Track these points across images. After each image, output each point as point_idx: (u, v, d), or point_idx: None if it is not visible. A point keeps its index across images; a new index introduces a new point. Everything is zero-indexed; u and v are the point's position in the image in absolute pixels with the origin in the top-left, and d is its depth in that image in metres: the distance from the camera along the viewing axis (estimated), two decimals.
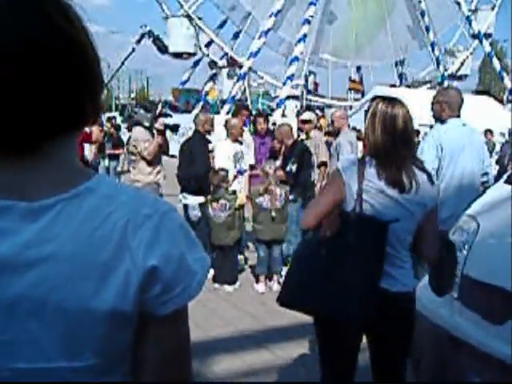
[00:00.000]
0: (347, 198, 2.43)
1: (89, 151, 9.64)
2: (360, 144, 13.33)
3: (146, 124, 6.52)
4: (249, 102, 29.91)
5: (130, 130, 9.83)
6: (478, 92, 35.70)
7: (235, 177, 6.56)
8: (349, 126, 9.67)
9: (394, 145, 2.43)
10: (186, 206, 6.67)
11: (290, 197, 6.28)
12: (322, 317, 2.55)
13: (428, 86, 37.22)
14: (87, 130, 7.29)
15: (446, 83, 34.41)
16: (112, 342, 0.88)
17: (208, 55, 35.19)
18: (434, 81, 38.26)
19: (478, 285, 2.82)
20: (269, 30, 32.85)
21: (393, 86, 32.97)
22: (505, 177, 3.48)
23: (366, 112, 2.53)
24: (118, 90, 56.94)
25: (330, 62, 38.26)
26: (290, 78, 31.11)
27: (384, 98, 2.52)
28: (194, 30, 32.57)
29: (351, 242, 2.39)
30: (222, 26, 38.20)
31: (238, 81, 32.17)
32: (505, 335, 2.52)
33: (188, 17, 32.48)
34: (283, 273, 6.52)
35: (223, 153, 6.62)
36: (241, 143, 6.84)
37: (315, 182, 6.92)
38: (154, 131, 6.38)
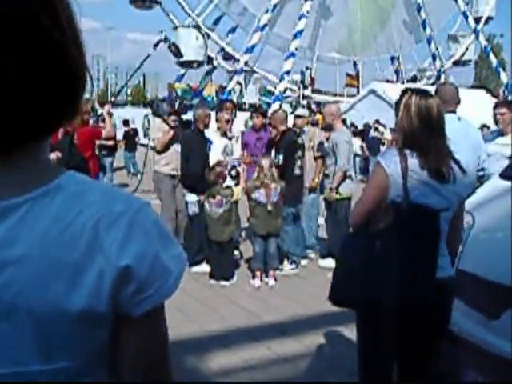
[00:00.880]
0: (392, 190, 2.45)
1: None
2: (355, 141, 13.39)
3: (165, 117, 7.10)
4: (245, 98, 29.91)
5: None
6: (474, 87, 35.72)
7: (229, 172, 6.57)
8: (344, 121, 9.65)
9: (430, 135, 2.48)
10: (186, 203, 6.69)
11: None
12: (377, 309, 2.50)
13: (425, 81, 37.26)
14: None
15: (442, 78, 34.43)
16: (86, 344, 0.86)
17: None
18: (431, 76, 38.31)
19: (474, 279, 2.83)
20: (265, 25, 32.83)
21: (389, 81, 33.00)
22: (499, 171, 3.48)
23: (397, 106, 2.56)
24: (116, 85, 56.84)
25: (336, 58, 38.30)
26: (287, 72, 31.11)
27: (416, 90, 2.57)
28: (204, 40, 32.67)
29: (406, 232, 2.44)
30: (217, 21, 38.14)
31: (233, 76, 32.16)
32: (500, 329, 2.53)
33: (197, 27, 32.62)
34: (281, 268, 6.56)
35: (215, 147, 6.62)
36: (229, 138, 6.88)
37: (301, 175, 6.84)
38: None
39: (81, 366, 0.86)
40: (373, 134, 17.27)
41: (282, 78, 30.93)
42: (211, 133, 6.88)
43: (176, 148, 6.91)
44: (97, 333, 0.86)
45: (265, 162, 6.12)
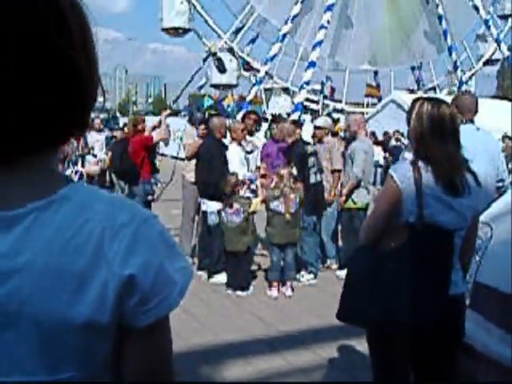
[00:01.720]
0: (404, 206, 2.38)
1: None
2: (376, 149, 13.30)
3: (197, 126, 7.45)
4: (265, 107, 29.96)
5: None
6: (496, 97, 35.36)
7: (247, 184, 6.54)
8: (366, 132, 9.59)
9: (443, 144, 2.40)
10: (204, 212, 6.70)
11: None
12: (388, 330, 2.48)
13: (446, 90, 37.00)
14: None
15: (464, 88, 34.14)
16: (90, 354, 0.85)
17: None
18: (453, 86, 38.03)
19: (491, 292, 2.79)
20: (285, 35, 32.94)
21: (411, 91, 32.81)
22: None
23: (409, 115, 2.48)
24: (136, 94, 57.42)
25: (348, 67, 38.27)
26: (307, 83, 31.13)
27: (428, 99, 2.49)
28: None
29: (419, 253, 2.38)
30: (237, 32, 38.36)
31: (254, 86, 32.26)
32: None
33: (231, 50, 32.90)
34: (299, 278, 6.54)
35: (235, 157, 6.62)
36: (248, 151, 6.89)
37: (317, 183, 6.82)
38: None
39: (84, 376, 0.86)
40: (395, 143, 17.15)
41: (301, 88, 30.94)
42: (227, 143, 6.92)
43: None
44: (101, 343, 0.86)
45: (284, 172, 6.12)
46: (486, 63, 39.50)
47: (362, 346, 4.51)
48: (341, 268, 6.91)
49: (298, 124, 7.96)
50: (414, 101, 2.51)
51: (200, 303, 5.53)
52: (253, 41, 38.26)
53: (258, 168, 7.09)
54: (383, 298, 2.40)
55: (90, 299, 0.82)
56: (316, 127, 7.48)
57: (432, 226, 2.37)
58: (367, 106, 33.25)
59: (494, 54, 39.29)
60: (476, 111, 4.32)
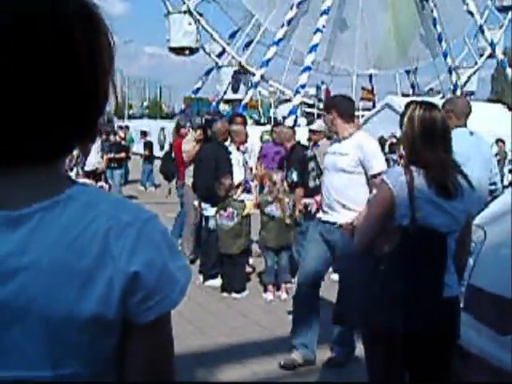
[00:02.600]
0: (397, 210, 2.40)
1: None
2: None
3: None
4: (260, 111, 30.03)
5: None
6: (490, 100, 35.52)
7: (242, 186, 6.53)
8: None
9: (434, 148, 2.42)
10: (204, 217, 6.70)
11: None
12: (381, 331, 2.49)
13: (441, 95, 37.14)
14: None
15: (458, 92, 34.28)
16: (95, 350, 0.88)
17: (221, 66, 35.46)
18: (447, 90, 38.17)
19: (485, 295, 2.81)
20: (280, 39, 33.02)
21: (405, 95, 32.90)
22: None
23: (401, 119, 2.51)
24: (133, 98, 57.40)
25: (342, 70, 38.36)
26: (302, 86, 31.19)
27: (420, 103, 2.51)
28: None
29: (413, 256, 2.40)
30: (233, 35, 38.43)
31: (249, 89, 32.32)
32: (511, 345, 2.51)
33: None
34: (293, 281, 6.54)
35: (233, 160, 6.59)
36: (243, 151, 6.88)
37: (316, 187, 6.84)
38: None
39: (90, 372, 0.88)
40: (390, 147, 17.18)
41: (297, 92, 31.01)
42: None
43: None
44: (106, 339, 0.88)
45: (276, 177, 6.13)
46: (489, 57, 39.55)
47: (357, 348, 4.52)
48: (336, 271, 6.91)
49: (293, 129, 7.97)
50: (407, 105, 2.53)
51: (195, 306, 5.53)
52: (248, 44, 38.29)
53: (250, 169, 7.10)
54: (377, 300, 2.42)
55: (95, 295, 0.84)
56: (311, 131, 7.50)
57: (425, 229, 2.39)
58: (363, 109, 33.34)
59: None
60: (469, 115, 4.35)
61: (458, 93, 33.71)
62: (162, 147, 26.79)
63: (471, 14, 37.88)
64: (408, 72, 41.39)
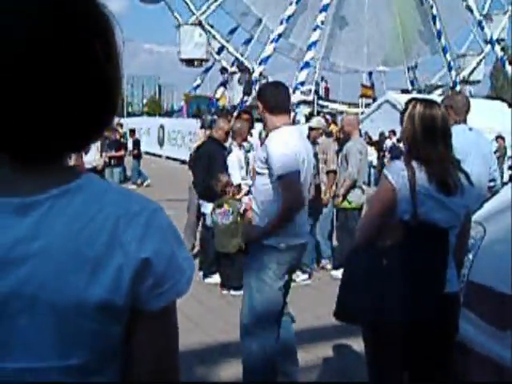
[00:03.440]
0: (399, 205, 2.41)
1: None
2: (370, 150, 13.34)
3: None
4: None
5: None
6: (489, 97, 35.51)
7: (239, 187, 6.46)
8: (360, 132, 9.61)
9: (435, 145, 2.44)
10: (202, 214, 6.67)
11: None
12: (383, 328, 2.50)
13: (440, 91, 37.12)
14: None
15: (458, 88, 34.26)
16: (103, 338, 0.89)
17: (219, 61, 35.46)
18: (447, 86, 38.15)
19: (484, 291, 2.81)
20: (280, 36, 32.98)
21: (405, 91, 32.88)
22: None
23: (402, 116, 2.53)
24: (132, 96, 57.36)
25: (342, 67, 38.37)
26: (301, 83, 31.17)
27: (420, 100, 2.53)
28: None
29: (415, 250, 2.41)
30: (232, 32, 38.39)
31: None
32: (510, 341, 2.51)
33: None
34: (294, 278, 6.54)
35: (234, 159, 6.51)
36: (246, 150, 6.84)
37: (316, 185, 6.81)
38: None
39: (97, 361, 0.89)
40: (391, 143, 17.21)
41: (296, 89, 30.98)
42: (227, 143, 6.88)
43: None
44: (114, 326, 0.89)
45: None
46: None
47: (357, 345, 4.52)
48: (335, 268, 6.93)
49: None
50: (408, 102, 2.56)
51: (195, 303, 5.53)
52: (247, 41, 38.24)
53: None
54: (379, 296, 2.42)
55: (105, 282, 0.86)
56: (310, 128, 7.50)
57: (427, 224, 2.41)
58: (363, 106, 33.30)
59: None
60: (468, 111, 4.35)
61: (458, 89, 33.64)
62: (161, 144, 26.83)
63: (470, 10, 37.83)
64: (408, 68, 41.34)
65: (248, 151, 6.92)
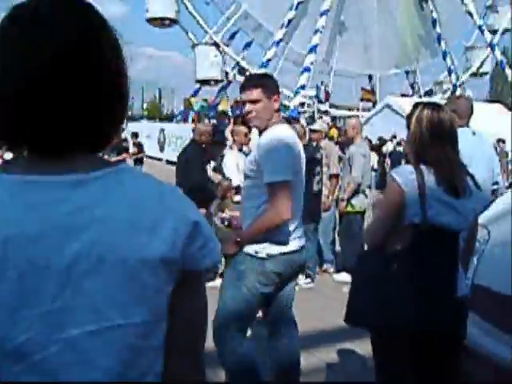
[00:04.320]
0: (408, 208, 2.40)
1: None
2: (373, 155, 13.35)
3: None
4: None
5: None
6: (489, 101, 35.55)
7: (239, 188, 6.46)
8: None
9: (443, 148, 2.44)
10: None
11: None
12: (392, 333, 2.50)
13: (440, 95, 37.15)
14: None
15: (458, 92, 34.30)
16: (161, 296, 0.97)
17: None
18: (447, 90, 38.20)
19: (490, 294, 2.82)
20: (280, 40, 33.05)
21: (405, 95, 32.95)
22: None
23: (409, 120, 2.53)
24: (133, 99, 57.40)
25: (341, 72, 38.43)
26: (302, 87, 31.22)
27: (427, 104, 2.54)
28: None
29: (425, 254, 2.42)
30: (233, 36, 38.46)
31: None
32: None
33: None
34: (297, 282, 6.54)
35: (232, 162, 6.52)
36: (245, 153, 6.83)
37: (319, 191, 6.81)
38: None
39: (152, 322, 0.97)
40: (392, 148, 17.21)
41: (297, 93, 31.04)
42: (227, 147, 6.89)
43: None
44: (167, 287, 0.98)
45: None
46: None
47: (361, 349, 4.53)
48: (338, 271, 6.94)
49: (304, 128, 7.90)
50: (414, 106, 2.56)
51: None
52: (248, 45, 38.33)
53: None
54: (389, 301, 2.42)
55: (165, 239, 0.96)
56: (312, 130, 7.51)
57: (437, 227, 2.40)
58: (363, 110, 33.34)
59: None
60: (471, 115, 4.36)
61: (458, 93, 33.67)
62: (161, 148, 26.87)
63: (470, 14, 37.89)
64: (407, 72, 41.42)
65: (247, 155, 6.91)
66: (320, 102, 33.20)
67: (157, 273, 0.95)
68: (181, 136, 23.62)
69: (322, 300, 6.04)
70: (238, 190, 6.32)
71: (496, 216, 3.20)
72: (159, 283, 0.96)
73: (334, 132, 17.71)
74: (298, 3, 33.33)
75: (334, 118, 28.37)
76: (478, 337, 2.72)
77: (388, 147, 17.77)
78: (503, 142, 15.94)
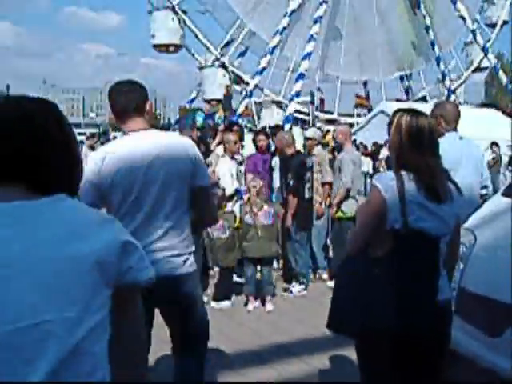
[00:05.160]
0: (389, 215, 2.42)
1: None
2: (365, 160, 13.35)
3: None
4: (255, 118, 30.08)
5: None
6: (484, 105, 35.62)
7: (233, 197, 6.45)
8: (354, 142, 9.62)
9: (422, 154, 2.45)
10: None
11: None
12: (374, 339, 2.50)
13: (435, 100, 37.21)
14: None
15: (452, 98, 34.38)
16: (96, 297, 1.08)
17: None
18: (441, 95, 38.29)
19: (476, 298, 2.83)
20: (274, 47, 33.12)
21: (399, 100, 32.99)
22: (502, 189, 3.48)
23: (389, 127, 2.55)
24: None
25: (337, 77, 38.57)
26: (297, 94, 31.27)
27: (407, 111, 2.55)
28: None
29: (406, 259, 2.43)
30: (227, 44, 38.51)
31: (244, 98, 32.36)
32: (502, 347, 2.52)
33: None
34: (290, 289, 6.55)
35: (225, 170, 6.46)
36: (239, 162, 6.83)
37: (311, 198, 6.82)
38: None
39: (92, 321, 1.07)
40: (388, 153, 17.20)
41: (291, 100, 31.07)
42: (219, 155, 6.88)
43: None
44: (104, 291, 1.10)
45: (253, 184, 6.05)
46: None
47: (353, 355, 4.50)
48: (331, 278, 6.94)
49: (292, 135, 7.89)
50: (394, 113, 2.58)
51: None
52: (242, 54, 38.38)
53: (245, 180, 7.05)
54: (370, 306, 2.43)
55: (99, 245, 1.10)
56: (306, 138, 7.55)
57: (417, 233, 2.41)
58: (358, 116, 33.35)
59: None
60: (458, 120, 4.38)
61: (452, 99, 33.78)
62: None
63: (463, 19, 38.03)
64: (402, 78, 41.52)
65: (240, 163, 6.93)
66: (316, 108, 33.23)
67: (90, 272, 1.07)
68: None
69: (315, 307, 6.03)
70: (231, 198, 6.34)
71: (483, 220, 3.21)
72: (93, 284, 1.07)
73: (329, 139, 17.69)
74: (292, 11, 33.43)
75: (330, 123, 28.33)
76: (464, 341, 2.73)
77: (384, 153, 17.76)
78: (497, 145, 15.98)
